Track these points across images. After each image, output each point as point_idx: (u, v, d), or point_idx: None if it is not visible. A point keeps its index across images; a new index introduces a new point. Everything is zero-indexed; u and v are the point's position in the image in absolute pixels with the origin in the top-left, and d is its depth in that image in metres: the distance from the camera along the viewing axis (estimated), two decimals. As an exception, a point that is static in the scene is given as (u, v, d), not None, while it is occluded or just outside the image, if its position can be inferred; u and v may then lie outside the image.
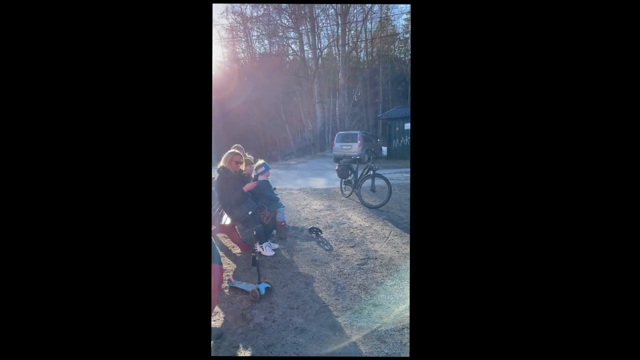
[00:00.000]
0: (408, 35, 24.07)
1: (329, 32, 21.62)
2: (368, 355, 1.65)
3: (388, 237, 3.54)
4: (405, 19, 24.88)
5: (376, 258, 2.98)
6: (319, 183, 7.40)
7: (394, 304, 2.18)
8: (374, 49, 24.22)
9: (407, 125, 12.15)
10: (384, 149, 13.48)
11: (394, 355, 1.64)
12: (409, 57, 24.50)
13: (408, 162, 11.12)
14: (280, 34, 21.34)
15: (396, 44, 25.33)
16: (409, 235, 3.57)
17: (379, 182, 5.26)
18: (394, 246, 3.28)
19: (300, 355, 1.70)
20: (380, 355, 1.67)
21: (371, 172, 5.06)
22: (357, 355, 1.66)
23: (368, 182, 5.48)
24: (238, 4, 19.73)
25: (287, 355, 1.70)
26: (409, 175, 7.93)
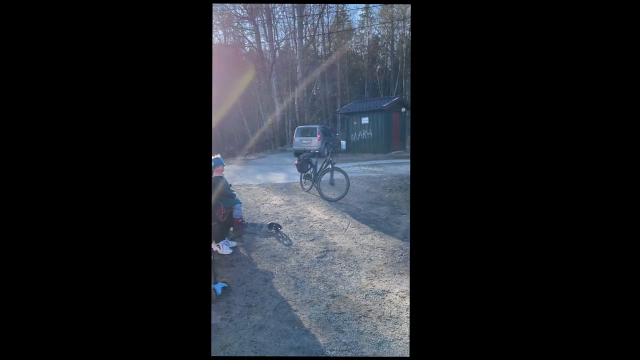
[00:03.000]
0: (364, 31, 24.55)
1: (286, 24, 21.31)
2: (368, 355, 1.65)
3: (346, 229, 3.61)
4: (360, 15, 25.32)
5: (335, 250, 3.04)
6: (279, 178, 7.32)
7: (351, 294, 2.24)
8: (332, 44, 24.35)
9: (364, 120, 12.46)
10: (343, 142, 13.70)
11: (395, 355, 1.64)
12: (365, 52, 25.04)
13: (366, 156, 11.43)
14: (235, 24, 20.52)
15: (352, 39, 25.71)
16: (366, 226, 3.68)
17: (337, 175, 5.34)
18: (352, 237, 3.36)
19: (301, 355, 1.68)
20: (383, 355, 1.67)
21: (330, 166, 5.11)
22: (358, 355, 1.65)
23: (327, 175, 5.53)
24: None
25: (287, 355, 1.67)
26: (366, 168, 8.16)
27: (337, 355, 1.64)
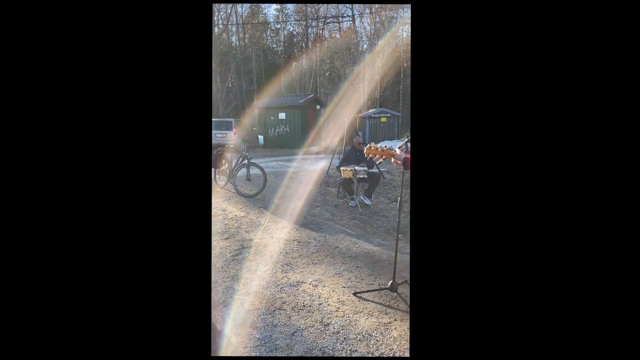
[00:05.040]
0: (279, 25, 24.41)
1: (195, 8, 19.59)
2: (368, 355, 1.61)
3: (263, 225, 3.58)
4: (275, 9, 25.03)
5: (251, 247, 2.98)
6: (190, 175, 6.78)
7: (267, 289, 2.24)
8: (246, 35, 23.49)
9: (282, 115, 12.47)
10: (260, 137, 13.48)
11: (396, 355, 1.62)
12: (281, 48, 24.97)
13: (283, 151, 11.48)
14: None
15: (268, 32, 25.31)
16: (283, 221, 3.71)
17: (254, 170, 5.24)
18: (269, 233, 3.35)
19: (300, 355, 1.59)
20: (385, 355, 1.64)
21: (246, 161, 4.98)
22: (359, 356, 1.61)
23: (243, 171, 5.37)
24: None
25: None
26: (283, 163, 8.21)
27: (340, 355, 1.62)
